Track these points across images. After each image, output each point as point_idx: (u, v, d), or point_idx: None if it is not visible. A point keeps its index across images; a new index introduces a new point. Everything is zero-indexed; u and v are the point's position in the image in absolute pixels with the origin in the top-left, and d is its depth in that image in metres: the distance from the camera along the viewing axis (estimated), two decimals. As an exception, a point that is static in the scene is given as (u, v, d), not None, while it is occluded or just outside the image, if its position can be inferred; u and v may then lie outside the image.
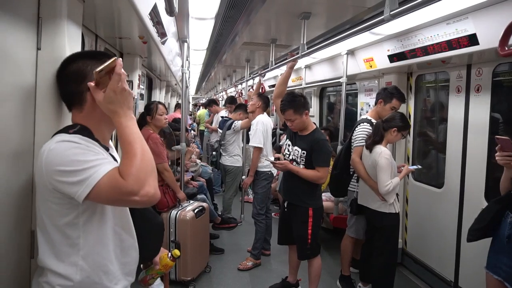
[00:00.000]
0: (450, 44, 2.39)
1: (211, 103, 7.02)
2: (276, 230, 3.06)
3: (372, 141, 2.76)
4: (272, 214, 4.34)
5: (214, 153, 4.85)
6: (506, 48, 1.23)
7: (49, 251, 1.03)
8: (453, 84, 2.95)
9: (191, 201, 3.37)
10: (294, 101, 2.63)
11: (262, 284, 3.23)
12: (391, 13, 1.62)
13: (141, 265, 1.58)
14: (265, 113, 3.99)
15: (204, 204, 3.37)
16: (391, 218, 2.74)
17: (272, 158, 3.70)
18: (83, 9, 1.45)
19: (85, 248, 1.04)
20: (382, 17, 1.74)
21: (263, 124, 3.74)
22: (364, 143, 2.87)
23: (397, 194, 2.83)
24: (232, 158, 4.46)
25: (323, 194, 3.94)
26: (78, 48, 1.43)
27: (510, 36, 1.23)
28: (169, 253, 1.60)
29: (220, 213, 4.63)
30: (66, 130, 1.06)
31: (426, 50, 2.63)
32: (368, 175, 2.79)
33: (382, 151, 2.67)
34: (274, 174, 3.84)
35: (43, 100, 1.21)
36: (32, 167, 1.20)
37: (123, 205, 1.13)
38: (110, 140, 1.23)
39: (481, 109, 2.67)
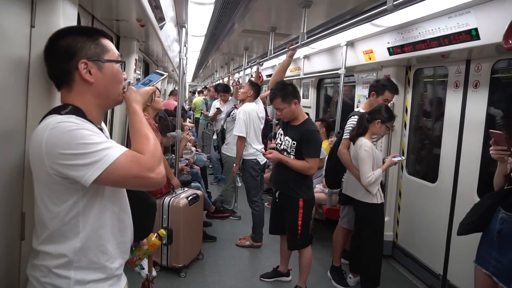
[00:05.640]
0: (451, 38, 2.37)
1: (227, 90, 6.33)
2: (268, 220, 3.07)
3: (356, 133, 2.79)
4: (265, 204, 4.35)
5: (215, 137, 4.87)
6: (510, 42, 1.22)
7: (45, 235, 1.02)
8: (451, 79, 2.94)
9: (185, 189, 3.36)
10: (282, 90, 2.61)
11: (253, 272, 3.25)
12: (394, 3, 1.60)
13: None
14: (255, 101, 3.96)
15: (199, 192, 3.36)
16: (374, 208, 2.78)
17: (259, 147, 3.71)
18: (79, -12, 1.41)
19: (84, 231, 1.03)
20: (385, 7, 1.72)
21: (245, 113, 3.76)
22: None
23: (382, 185, 2.86)
24: (227, 146, 4.41)
25: (316, 186, 3.99)
26: (73, 28, 1.39)
27: (515, 30, 1.22)
28: (155, 233, 1.63)
29: (213, 201, 4.62)
30: (57, 111, 1.02)
31: (426, 44, 2.61)
32: (354, 165, 2.83)
33: (363, 143, 2.70)
34: (261, 163, 3.83)
35: (36, 78, 1.18)
36: (24, 147, 1.18)
37: (133, 185, 1.06)
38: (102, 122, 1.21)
39: (478, 105, 2.67)
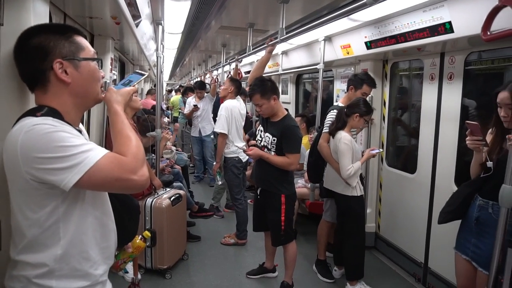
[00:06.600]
0: (426, 32, 2.42)
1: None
2: (251, 217, 3.07)
3: (335, 127, 2.83)
4: (248, 201, 4.34)
5: (212, 136, 4.80)
6: (489, 33, 1.25)
7: (24, 244, 0.97)
8: (427, 71, 3.01)
9: (167, 189, 3.31)
10: (261, 86, 2.61)
11: (239, 270, 3.24)
12: (373, -4, 1.61)
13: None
14: (236, 98, 3.94)
15: (181, 192, 3.32)
16: (354, 201, 2.82)
17: (241, 144, 3.69)
18: (50, -17, 1.35)
19: (65, 237, 0.99)
20: (365, 0, 1.74)
21: (227, 110, 3.72)
22: None
23: (361, 177, 2.91)
24: None
25: (298, 181, 4.01)
26: (45, 25, 1.32)
27: (493, 21, 1.25)
28: (140, 235, 1.61)
29: (196, 201, 4.57)
30: (32, 113, 0.97)
31: (402, 37, 2.66)
32: (333, 159, 2.86)
33: (342, 136, 2.74)
34: (243, 160, 3.82)
35: (5, 79, 1.12)
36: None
37: (115, 188, 1.03)
38: (80, 123, 1.16)
39: (453, 97, 2.74)
